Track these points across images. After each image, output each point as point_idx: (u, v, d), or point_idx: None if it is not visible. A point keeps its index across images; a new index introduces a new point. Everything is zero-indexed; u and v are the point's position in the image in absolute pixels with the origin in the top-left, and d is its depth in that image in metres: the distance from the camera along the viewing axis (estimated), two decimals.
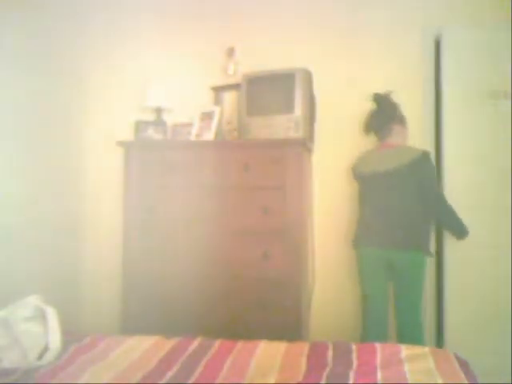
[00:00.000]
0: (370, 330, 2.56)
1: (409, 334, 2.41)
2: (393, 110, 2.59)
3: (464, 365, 1.70)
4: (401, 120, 2.60)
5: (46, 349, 1.75)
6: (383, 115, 2.58)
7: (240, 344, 1.94)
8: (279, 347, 1.90)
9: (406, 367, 1.65)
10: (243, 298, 2.55)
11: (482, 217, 2.65)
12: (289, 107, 2.56)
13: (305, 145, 2.56)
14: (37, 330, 1.77)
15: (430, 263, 2.74)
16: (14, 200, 2.54)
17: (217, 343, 1.95)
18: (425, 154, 2.44)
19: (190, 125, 2.86)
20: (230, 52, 2.98)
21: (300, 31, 2.96)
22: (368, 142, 2.83)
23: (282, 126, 2.56)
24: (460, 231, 2.54)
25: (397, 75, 2.83)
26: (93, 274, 3.16)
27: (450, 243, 2.67)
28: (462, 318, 2.66)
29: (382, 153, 2.56)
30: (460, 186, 2.69)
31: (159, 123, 2.93)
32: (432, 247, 2.56)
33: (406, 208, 2.42)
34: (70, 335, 1.97)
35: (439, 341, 2.73)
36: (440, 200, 2.46)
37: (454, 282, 2.69)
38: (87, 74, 3.15)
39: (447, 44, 2.73)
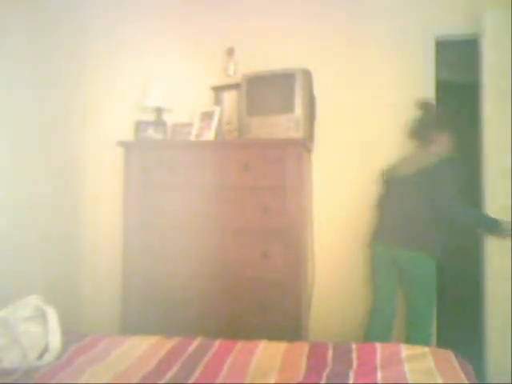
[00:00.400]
0: (374, 325, 2.61)
1: (414, 335, 2.43)
2: (437, 120, 2.57)
3: (464, 365, 1.70)
4: (444, 130, 2.56)
5: (45, 349, 1.75)
6: (428, 124, 2.57)
7: (240, 344, 1.94)
8: (279, 347, 1.90)
9: (406, 367, 1.65)
10: (243, 298, 2.55)
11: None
12: (289, 107, 2.55)
13: (305, 145, 2.56)
14: (37, 330, 1.77)
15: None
16: (14, 200, 2.54)
17: (217, 343, 1.95)
18: (442, 161, 2.42)
19: (190, 125, 2.86)
20: (230, 52, 2.98)
21: (300, 31, 2.96)
22: (369, 142, 2.84)
23: (282, 125, 2.56)
24: (490, 229, 2.46)
25: (397, 75, 2.84)
26: (93, 274, 3.16)
27: (491, 246, 2.55)
28: (503, 323, 2.54)
29: (411, 158, 2.57)
30: (501, 183, 2.54)
31: (159, 123, 2.93)
32: (438, 251, 2.51)
33: (415, 211, 2.43)
34: (70, 335, 1.97)
35: (479, 345, 2.63)
36: (455, 205, 2.38)
37: (494, 286, 2.56)
38: (87, 73, 3.15)
39: (490, 29, 2.54)
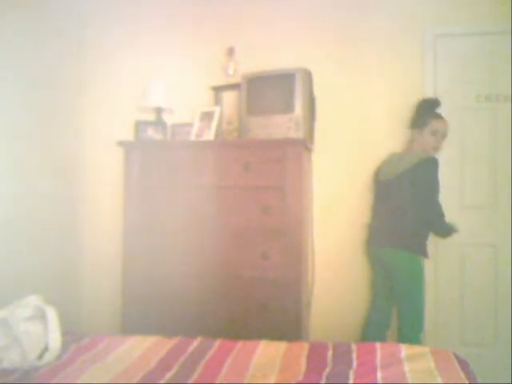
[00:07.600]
0: (372, 323, 2.66)
1: (402, 334, 2.45)
2: (432, 103, 2.62)
3: (464, 365, 1.70)
4: (420, 126, 2.58)
5: (46, 349, 1.75)
6: (422, 106, 2.64)
7: (240, 344, 1.94)
8: (279, 347, 1.90)
9: (406, 367, 1.65)
10: (243, 298, 2.54)
11: (475, 216, 2.74)
12: (289, 107, 2.55)
13: (305, 145, 2.56)
14: (37, 330, 1.77)
15: (427, 265, 2.75)
16: (15, 200, 2.55)
17: (217, 343, 1.95)
18: (427, 160, 2.44)
19: (190, 125, 2.86)
20: (230, 52, 2.98)
21: (300, 31, 2.96)
22: (369, 142, 2.84)
23: (281, 125, 2.56)
24: (447, 234, 2.55)
25: (397, 76, 2.84)
26: (93, 273, 3.16)
27: (442, 242, 2.72)
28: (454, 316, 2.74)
29: (397, 158, 2.60)
30: (456, 187, 2.75)
31: (159, 123, 2.93)
32: (427, 249, 2.54)
33: (401, 210, 2.47)
34: (70, 335, 1.97)
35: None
36: (432, 208, 2.45)
37: (445, 280, 2.75)
38: (87, 73, 3.15)
39: (443, 47, 2.78)
